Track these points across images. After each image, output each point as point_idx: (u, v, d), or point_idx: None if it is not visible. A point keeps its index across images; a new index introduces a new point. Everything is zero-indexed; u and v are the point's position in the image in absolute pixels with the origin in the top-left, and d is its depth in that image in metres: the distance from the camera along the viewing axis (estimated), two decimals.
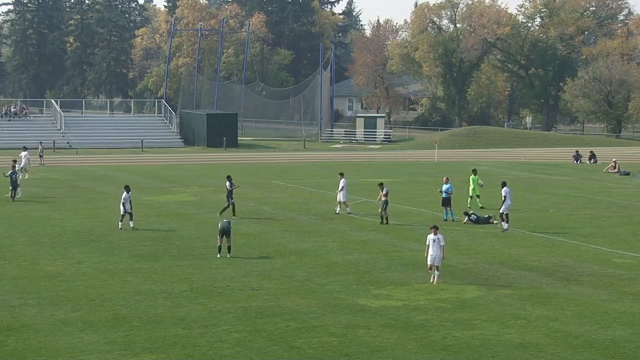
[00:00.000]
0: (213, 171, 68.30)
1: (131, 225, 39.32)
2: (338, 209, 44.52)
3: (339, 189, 44.31)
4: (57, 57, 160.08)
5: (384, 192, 41.30)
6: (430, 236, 29.20)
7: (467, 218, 41.61)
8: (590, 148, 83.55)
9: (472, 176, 46.28)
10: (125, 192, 39.42)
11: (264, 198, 50.94)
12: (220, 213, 42.44)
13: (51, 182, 59.39)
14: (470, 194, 45.98)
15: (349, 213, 43.91)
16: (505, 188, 40.06)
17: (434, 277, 28.96)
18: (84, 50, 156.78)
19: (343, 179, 44.36)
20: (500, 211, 39.87)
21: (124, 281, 29.23)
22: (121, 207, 39.35)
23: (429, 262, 29.14)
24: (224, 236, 33.16)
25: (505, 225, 39.68)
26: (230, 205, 43.09)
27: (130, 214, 39.45)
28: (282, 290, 28.01)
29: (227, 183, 43.50)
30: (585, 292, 28.10)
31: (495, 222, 41.03)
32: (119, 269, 31.17)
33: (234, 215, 42.13)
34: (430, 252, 28.99)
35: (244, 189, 55.42)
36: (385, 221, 41.14)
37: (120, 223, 39.39)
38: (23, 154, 62.13)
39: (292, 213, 45.07)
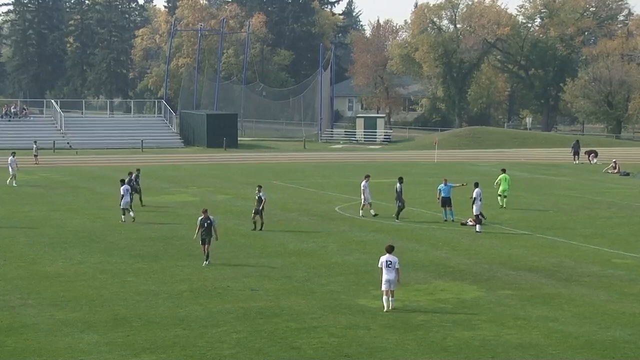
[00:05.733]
0: (213, 171, 68.33)
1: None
2: (372, 211, 43.91)
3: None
4: (57, 57, 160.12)
5: (260, 197, 39.00)
6: (383, 258, 25.51)
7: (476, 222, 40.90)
8: (591, 148, 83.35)
9: (503, 175, 47.09)
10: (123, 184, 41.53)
11: None
12: (397, 217, 42.20)
13: (51, 182, 59.40)
14: (499, 193, 46.79)
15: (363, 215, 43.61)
16: (477, 189, 40.07)
17: (388, 304, 25.44)
18: (84, 50, 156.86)
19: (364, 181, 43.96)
20: (475, 213, 39.77)
21: (124, 281, 29.23)
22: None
23: (383, 288, 25.50)
24: (204, 243, 31.92)
25: (476, 227, 39.53)
26: (398, 208, 42.43)
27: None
28: (282, 291, 28.01)
29: (398, 185, 42.36)
30: (585, 293, 28.10)
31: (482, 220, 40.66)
32: (119, 269, 31.17)
33: (397, 219, 41.93)
34: (385, 276, 25.30)
35: (244, 190, 55.39)
36: (258, 227, 39.09)
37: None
38: (10, 159, 57.99)
39: (292, 213, 45.08)
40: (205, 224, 31.82)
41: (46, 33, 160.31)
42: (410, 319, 24.73)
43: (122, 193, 41.45)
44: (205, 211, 32.29)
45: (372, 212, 43.66)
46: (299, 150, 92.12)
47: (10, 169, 57.23)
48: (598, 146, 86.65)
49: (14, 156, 58.31)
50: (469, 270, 31.41)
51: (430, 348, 22.30)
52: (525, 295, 27.65)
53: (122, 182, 42.30)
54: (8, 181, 56.56)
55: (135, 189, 45.71)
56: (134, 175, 46.14)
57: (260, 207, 39.14)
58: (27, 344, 22.34)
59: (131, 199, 42.16)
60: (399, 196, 42.25)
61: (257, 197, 39.29)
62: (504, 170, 48.25)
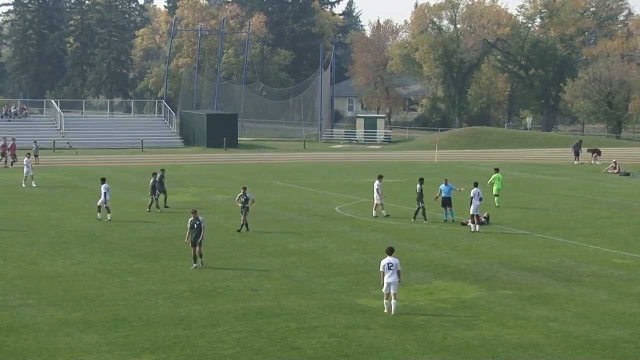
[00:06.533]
0: (213, 171, 68.34)
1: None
2: (374, 212, 43.83)
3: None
4: (57, 57, 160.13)
5: (247, 197, 38.81)
6: (384, 261, 25.33)
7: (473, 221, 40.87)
8: (594, 147, 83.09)
9: (496, 174, 47.81)
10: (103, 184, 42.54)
11: (264, 198, 50.85)
12: (424, 217, 42.07)
13: (51, 182, 59.37)
14: (494, 193, 47.30)
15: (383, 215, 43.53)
16: (475, 189, 40.18)
17: (390, 308, 25.17)
18: (84, 50, 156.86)
19: (377, 182, 43.88)
20: (471, 212, 39.81)
21: (124, 281, 29.23)
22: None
23: (384, 291, 25.27)
24: (195, 245, 31.51)
25: (472, 226, 39.53)
26: (421, 209, 42.27)
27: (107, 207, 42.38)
28: (282, 291, 28.02)
29: (418, 186, 42.30)
30: (585, 293, 28.11)
31: (482, 219, 40.77)
32: (119, 269, 31.18)
33: (425, 220, 41.73)
34: (386, 279, 25.08)
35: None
36: (244, 228, 38.77)
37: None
38: (25, 160, 58.04)
39: (292, 213, 45.09)
40: (195, 225, 31.43)
41: (46, 33, 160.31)
42: (410, 319, 24.73)
43: (103, 191, 42.00)
44: (194, 212, 31.95)
45: (374, 212, 43.70)
46: (299, 150, 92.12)
47: (25, 170, 57.34)
48: (598, 146, 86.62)
49: (29, 157, 58.65)
50: (469, 270, 31.42)
51: (430, 348, 22.31)
52: (525, 295, 27.65)
53: (103, 180, 42.77)
54: (33, 183, 56.48)
55: (161, 190, 45.79)
56: (158, 176, 45.95)
57: (246, 207, 38.82)
58: (27, 344, 22.34)
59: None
60: (420, 197, 42.28)
61: (242, 199, 39.06)
62: (497, 170, 48.87)
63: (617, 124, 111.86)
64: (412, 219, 42.08)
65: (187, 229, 31.88)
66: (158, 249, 34.92)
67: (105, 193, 41.92)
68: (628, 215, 45.79)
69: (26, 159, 58.28)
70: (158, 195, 45.69)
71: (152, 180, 45.78)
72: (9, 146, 72.29)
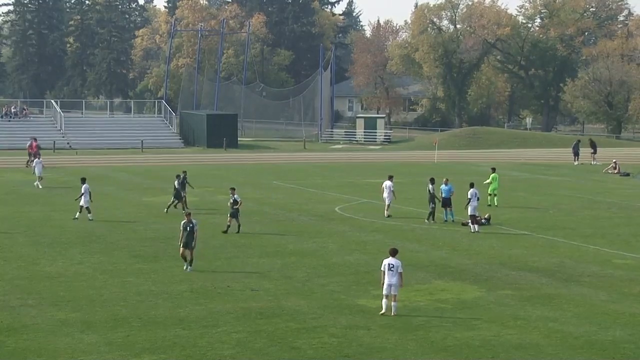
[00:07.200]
0: (213, 172, 68.32)
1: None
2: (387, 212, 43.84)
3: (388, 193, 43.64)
4: (57, 57, 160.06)
5: (235, 199, 38.51)
6: (386, 261, 25.20)
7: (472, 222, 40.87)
8: (593, 140, 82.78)
9: (494, 174, 48.23)
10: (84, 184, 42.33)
11: (264, 199, 50.96)
12: (428, 218, 41.88)
13: (51, 182, 59.34)
14: (490, 192, 47.57)
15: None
16: (471, 190, 40.20)
17: (390, 309, 25.01)
18: (84, 50, 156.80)
19: (389, 182, 43.75)
20: (469, 213, 39.79)
21: (124, 282, 29.24)
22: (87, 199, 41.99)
23: (384, 292, 25.12)
24: (186, 247, 31.27)
25: (472, 227, 39.51)
26: (431, 209, 42.13)
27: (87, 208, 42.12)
28: (282, 291, 28.03)
29: (430, 186, 42.14)
30: (585, 293, 28.12)
31: (482, 221, 40.80)
32: (119, 269, 31.18)
33: (427, 220, 41.57)
34: (386, 280, 24.93)
35: (244, 190, 55.42)
36: (235, 230, 38.48)
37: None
38: (35, 160, 58.61)
39: (292, 214, 45.09)
40: (188, 227, 31.16)
41: (46, 33, 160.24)
42: (410, 319, 24.74)
43: (82, 192, 42.02)
44: (188, 215, 31.71)
45: (388, 213, 43.59)
46: (299, 151, 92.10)
47: (36, 171, 57.34)
48: (598, 146, 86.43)
49: (39, 158, 58.76)
50: (469, 270, 31.43)
51: (430, 348, 22.31)
52: (525, 295, 27.66)
53: (83, 181, 42.73)
54: (36, 183, 56.47)
55: (182, 190, 45.17)
56: (181, 178, 45.51)
57: (235, 209, 38.55)
58: (27, 344, 22.35)
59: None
60: (432, 197, 42.21)
61: (231, 200, 38.80)
62: (494, 170, 49.17)
63: (617, 124, 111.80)
64: (426, 220, 41.90)
65: (180, 231, 31.77)
66: (158, 249, 34.93)
67: (83, 194, 41.90)
68: (628, 215, 45.81)
69: (36, 159, 58.47)
70: (184, 196, 45.33)
71: (175, 181, 45.29)
72: (30, 145, 72.32)
